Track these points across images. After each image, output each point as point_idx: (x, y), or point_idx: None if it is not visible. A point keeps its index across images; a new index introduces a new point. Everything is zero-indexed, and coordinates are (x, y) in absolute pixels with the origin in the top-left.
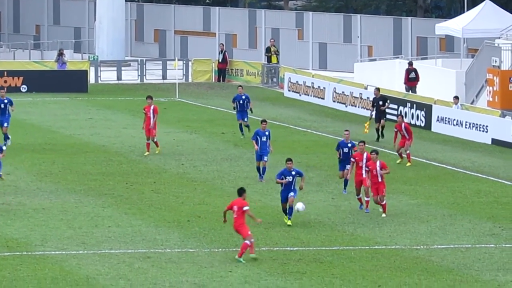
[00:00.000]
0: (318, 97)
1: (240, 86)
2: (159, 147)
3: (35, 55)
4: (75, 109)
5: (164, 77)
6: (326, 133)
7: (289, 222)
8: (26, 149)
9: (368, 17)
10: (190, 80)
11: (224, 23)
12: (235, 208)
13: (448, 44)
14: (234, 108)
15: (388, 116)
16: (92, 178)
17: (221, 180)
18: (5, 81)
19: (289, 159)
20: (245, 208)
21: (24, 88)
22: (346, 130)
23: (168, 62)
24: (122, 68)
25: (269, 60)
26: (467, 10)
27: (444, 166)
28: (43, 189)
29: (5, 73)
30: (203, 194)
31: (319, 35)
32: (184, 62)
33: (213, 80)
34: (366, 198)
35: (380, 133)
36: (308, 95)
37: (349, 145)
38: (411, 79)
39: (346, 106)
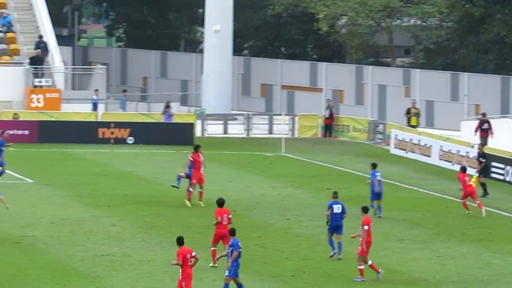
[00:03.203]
0: (424, 155)
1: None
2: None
3: (142, 107)
4: (181, 161)
5: (270, 131)
6: (432, 191)
7: None
8: (131, 200)
9: (475, 76)
10: (296, 135)
11: (331, 78)
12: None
13: None
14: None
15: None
16: (196, 231)
17: (326, 235)
18: (112, 133)
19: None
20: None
21: (130, 140)
22: None
23: (274, 116)
24: (228, 121)
25: (408, 122)
26: None
27: None
28: (148, 241)
29: (112, 124)
30: (308, 250)
31: (426, 92)
32: (291, 117)
33: (319, 136)
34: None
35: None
36: (414, 152)
37: None
38: (484, 130)
39: (452, 164)
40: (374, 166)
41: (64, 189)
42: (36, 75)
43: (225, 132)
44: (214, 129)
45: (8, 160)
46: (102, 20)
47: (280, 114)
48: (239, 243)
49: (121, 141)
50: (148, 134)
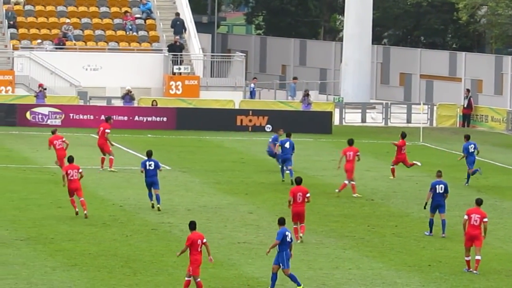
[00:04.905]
0: None
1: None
2: None
3: (280, 95)
4: (319, 150)
5: (408, 120)
6: None
7: None
8: (268, 188)
9: None
10: (434, 125)
11: (470, 68)
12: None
13: None
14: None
15: None
16: (333, 219)
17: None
18: (250, 120)
19: None
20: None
21: (268, 127)
22: None
23: (413, 106)
24: (367, 110)
25: None
26: None
27: None
28: None
29: (250, 112)
30: (445, 239)
31: None
32: (429, 106)
33: (458, 125)
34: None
35: None
36: None
37: None
38: None
39: None
40: (466, 138)
41: (201, 176)
42: (175, 62)
43: (363, 120)
44: (353, 117)
45: (146, 147)
46: (241, 8)
47: (418, 104)
48: (287, 232)
49: (259, 129)
50: (286, 122)
